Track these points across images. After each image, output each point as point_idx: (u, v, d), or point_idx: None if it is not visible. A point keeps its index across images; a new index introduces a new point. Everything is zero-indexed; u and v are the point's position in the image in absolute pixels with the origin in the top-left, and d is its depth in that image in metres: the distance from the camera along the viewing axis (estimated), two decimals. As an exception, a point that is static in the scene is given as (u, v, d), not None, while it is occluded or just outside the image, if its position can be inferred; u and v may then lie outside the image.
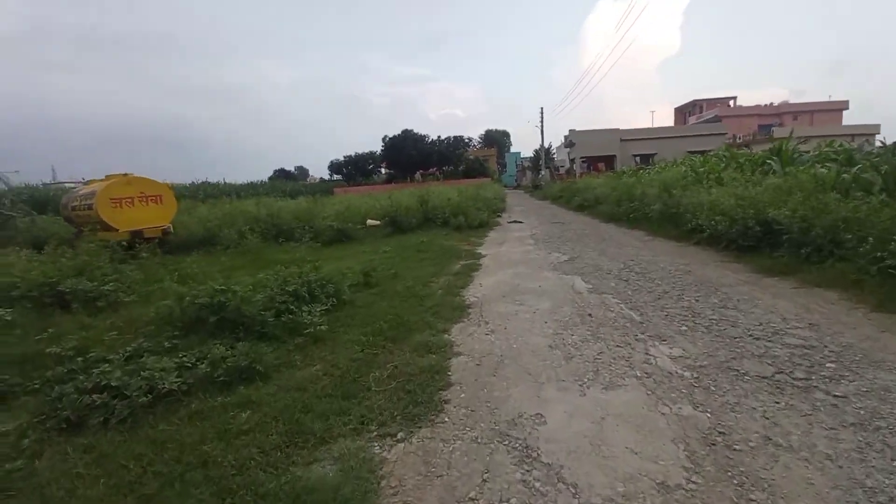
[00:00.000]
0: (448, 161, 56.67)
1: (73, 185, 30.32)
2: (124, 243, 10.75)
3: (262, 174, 60.82)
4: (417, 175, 56.66)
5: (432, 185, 37.84)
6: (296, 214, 16.08)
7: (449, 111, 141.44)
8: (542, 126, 45.79)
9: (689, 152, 45.19)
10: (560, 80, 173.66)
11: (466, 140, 64.70)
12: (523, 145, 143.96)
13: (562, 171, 55.30)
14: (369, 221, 15.81)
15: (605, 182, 19.96)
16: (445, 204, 14.60)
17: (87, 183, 18.13)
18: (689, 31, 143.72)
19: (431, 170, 56.65)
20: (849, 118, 57.70)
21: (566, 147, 52.82)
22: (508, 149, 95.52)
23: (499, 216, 18.89)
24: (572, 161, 52.29)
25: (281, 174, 73.82)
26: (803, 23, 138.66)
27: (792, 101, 64.71)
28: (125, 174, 14.33)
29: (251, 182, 45.06)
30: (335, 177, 56.98)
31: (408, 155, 51.93)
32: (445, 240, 11.96)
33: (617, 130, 46.54)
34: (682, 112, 68.44)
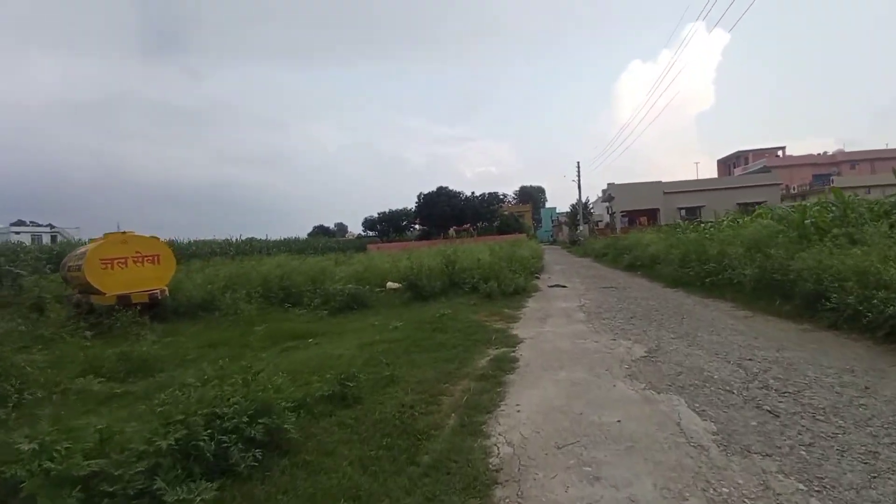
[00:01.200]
0: (482, 217, 55.00)
1: None
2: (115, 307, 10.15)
3: (304, 231, 60.62)
4: (451, 231, 55.06)
5: (465, 241, 35.77)
6: (310, 275, 14.09)
7: (484, 169, 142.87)
8: (579, 180, 43.66)
9: (738, 204, 41.83)
10: (595, 136, 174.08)
11: (501, 196, 63.34)
12: (559, 200, 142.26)
13: (601, 225, 52.38)
14: (389, 285, 13.55)
15: (660, 238, 17.11)
16: (474, 266, 12.18)
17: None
18: (722, 86, 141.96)
19: (465, 226, 55.01)
20: (915, 166, 52.56)
21: (605, 201, 50.19)
22: (544, 204, 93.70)
23: (537, 277, 16.26)
24: (612, 215, 49.43)
25: (319, 230, 74.24)
26: (843, 71, 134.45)
27: (842, 150, 60.36)
28: (123, 232, 12.84)
29: (286, 238, 44.38)
30: (369, 233, 56.17)
31: (441, 211, 50.62)
32: (472, 312, 9.43)
33: (659, 183, 43.73)
34: (726, 164, 65.02)
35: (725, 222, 14.61)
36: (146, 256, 12.44)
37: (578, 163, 43.69)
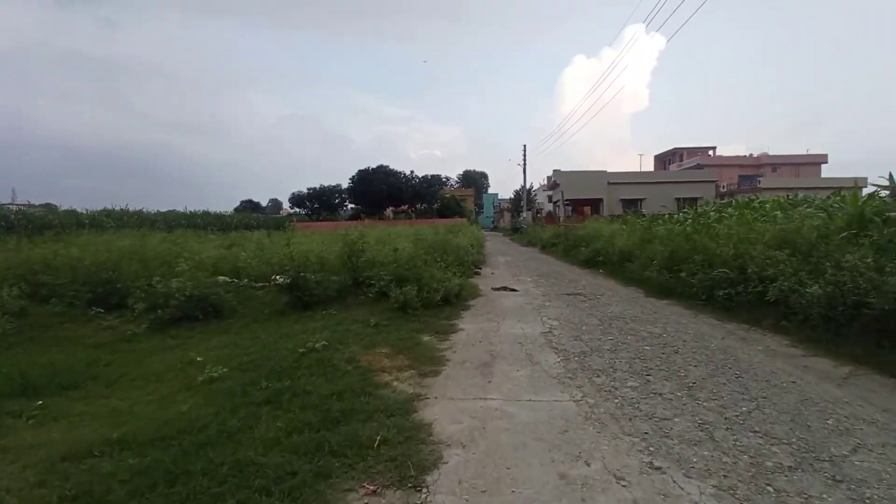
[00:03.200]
0: (422, 199, 50.75)
1: (18, 206, 27.10)
2: None
3: (234, 206, 53.20)
4: (388, 212, 50.42)
5: (402, 223, 31.46)
6: (160, 262, 9.37)
7: (429, 152, 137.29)
8: (524, 163, 40.57)
9: (677, 199, 40.74)
10: (538, 127, 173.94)
11: (444, 179, 59.26)
12: (501, 187, 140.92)
13: (543, 213, 50.03)
14: (276, 278, 9.13)
15: (625, 230, 13.90)
16: (389, 259, 8.05)
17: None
18: (656, 88, 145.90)
19: (403, 207, 50.55)
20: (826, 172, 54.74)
21: (548, 189, 47.77)
22: (486, 190, 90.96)
23: (477, 272, 12.49)
24: (555, 203, 47.10)
25: (248, 205, 66.64)
26: (767, 85, 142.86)
27: (766, 153, 62.19)
28: None
29: (203, 211, 37.47)
30: (298, 210, 50.16)
31: (377, 189, 45.75)
32: (366, 343, 5.38)
33: (604, 173, 41.64)
34: (662, 160, 65.09)
35: (714, 213, 11.48)
36: None
37: (525, 146, 40.59)
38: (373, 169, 47.73)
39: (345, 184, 48.45)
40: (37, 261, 9.09)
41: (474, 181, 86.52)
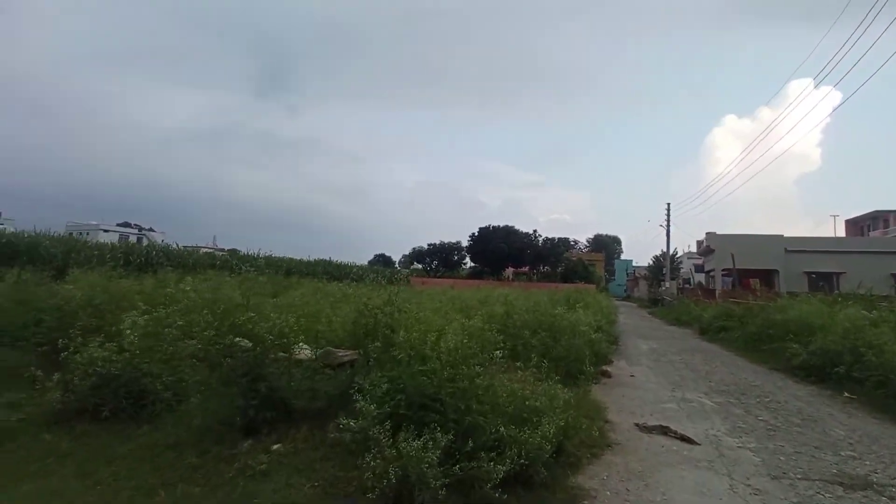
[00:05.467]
0: (546, 261, 45.86)
1: (210, 249, 34.44)
2: None
3: (367, 258, 54.98)
4: (508, 272, 46.52)
5: (514, 286, 27.17)
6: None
7: (558, 216, 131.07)
8: (668, 224, 33.52)
9: (893, 275, 29.35)
10: (679, 190, 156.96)
11: (572, 242, 53.74)
12: (635, 254, 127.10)
13: (690, 284, 40.93)
14: (299, 348, 5.63)
15: (883, 318, 7.75)
16: (422, 347, 3.96)
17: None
18: (829, 147, 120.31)
19: (524, 269, 46.22)
20: None
21: (700, 255, 39.08)
22: (618, 255, 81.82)
23: (605, 369, 7.58)
24: (708, 273, 38.08)
25: (380, 259, 69.12)
26: None
27: None
28: None
29: (324, 260, 38.15)
30: (418, 266, 49.17)
31: (496, 248, 42.35)
32: None
33: (780, 238, 32.33)
34: (858, 224, 50.47)
35: None
36: None
37: (669, 204, 33.69)
38: (494, 227, 44.81)
39: (465, 241, 46.26)
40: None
41: (605, 246, 78.44)
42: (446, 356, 3.55)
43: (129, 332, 4.63)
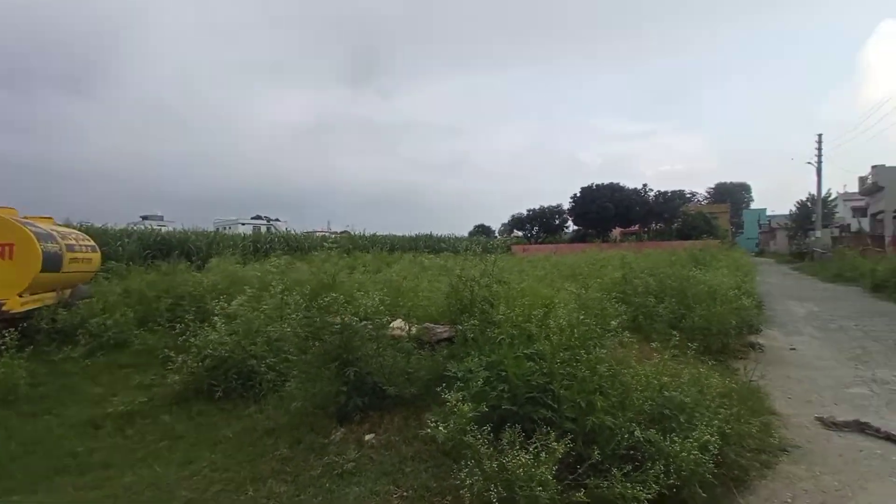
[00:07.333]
0: (659, 217, 41.37)
1: (324, 232, 35.89)
2: None
3: (468, 230, 55.42)
4: (615, 233, 43.09)
5: (624, 247, 24.81)
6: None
7: (669, 167, 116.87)
8: (819, 159, 27.73)
9: None
10: (830, 122, 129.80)
11: (688, 194, 47.45)
12: (768, 202, 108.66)
13: (849, 233, 33.75)
14: (395, 325, 5.46)
15: None
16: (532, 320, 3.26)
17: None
18: None
19: (634, 227, 42.39)
20: None
21: (863, 195, 31.96)
22: (748, 205, 71.27)
23: (756, 342, 6.14)
24: (874, 216, 30.96)
25: (480, 230, 69.29)
26: None
27: None
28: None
29: (425, 235, 39.21)
30: (517, 233, 47.85)
31: (602, 208, 39.21)
32: None
33: None
34: None
35: None
36: (-9, 246, 7.09)
37: (820, 135, 27.71)
38: (598, 185, 41.44)
39: (567, 204, 43.61)
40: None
41: (730, 194, 68.40)
42: (558, 336, 2.84)
43: (216, 318, 4.75)
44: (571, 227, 45.04)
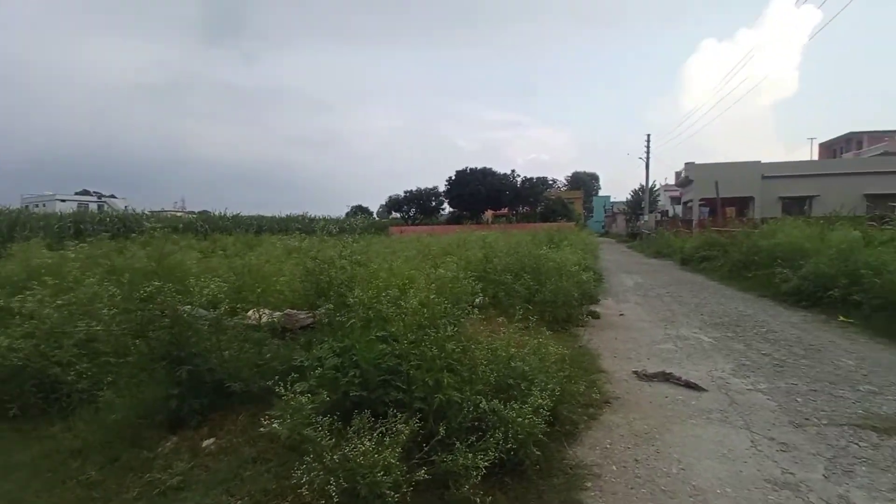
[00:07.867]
0: (524, 201, 45.12)
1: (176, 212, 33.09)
2: None
3: (344, 210, 53.09)
4: (487, 215, 45.80)
5: (494, 228, 26.57)
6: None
7: (535, 156, 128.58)
8: (647, 155, 32.88)
9: (867, 195, 29.73)
10: (658, 124, 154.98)
11: (550, 181, 52.65)
12: (613, 190, 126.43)
13: (667, 217, 41.02)
14: (251, 314, 4.82)
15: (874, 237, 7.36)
16: (384, 306, 3.21)
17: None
18: (808, 71, 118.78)
19: (503, 210, 45.51)
20: None
21: (679, 186, 38.86)
22: (596, 192, 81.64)
23: (593, 309, 7.08)
24: (685, 204, 38.07)
25: (357, 210, 67.40)
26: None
27: None
28: None
29: (298, 215, 36.79)
30: (395, 215, 47.93)
31: (475, 191, 41.27)
32: None
33: (757, 164, 32.15)
34: (831, 148, 50.78)
35: None
36: None
37: (648, 136, 32.81)
38: (471, 170, 43.40)
39: (443, 186, 44.89)
40: None
41: (583, 183, 77.93)
42: (411, 317, 2.82)
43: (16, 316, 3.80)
44: (448, 209, 46.64)
